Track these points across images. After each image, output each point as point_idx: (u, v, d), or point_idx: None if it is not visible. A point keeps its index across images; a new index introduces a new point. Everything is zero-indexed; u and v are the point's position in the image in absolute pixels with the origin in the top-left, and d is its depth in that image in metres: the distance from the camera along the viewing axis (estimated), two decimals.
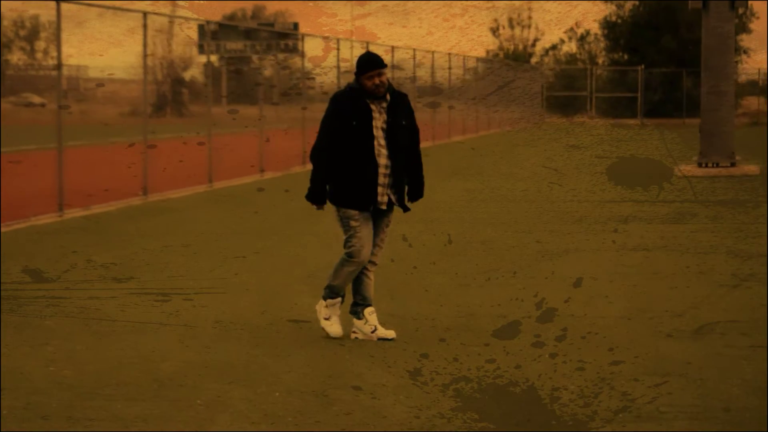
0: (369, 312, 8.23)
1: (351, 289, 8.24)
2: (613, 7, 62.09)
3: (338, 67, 29.89)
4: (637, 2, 60.87)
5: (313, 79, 30.51)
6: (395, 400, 6.66)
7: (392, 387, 6.92)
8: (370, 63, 8.15)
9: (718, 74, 24.56)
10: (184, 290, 9.96)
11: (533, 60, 68.49)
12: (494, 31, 71.62)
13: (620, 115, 56.43)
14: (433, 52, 40.12)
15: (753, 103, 59.21)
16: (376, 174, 8.08)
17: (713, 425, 6.21)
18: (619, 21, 62.20)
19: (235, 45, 42.46)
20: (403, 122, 8.19)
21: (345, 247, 8.21)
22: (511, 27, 71.49)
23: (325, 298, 8.26)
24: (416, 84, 37.53)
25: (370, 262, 8.23)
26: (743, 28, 60.19)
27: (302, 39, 29.51)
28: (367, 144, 8.07)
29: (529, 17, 72.12)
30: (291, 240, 13.06)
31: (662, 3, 58.30)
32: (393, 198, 8.16)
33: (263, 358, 7.62)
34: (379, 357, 7.62)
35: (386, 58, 37.91)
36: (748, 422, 6.28)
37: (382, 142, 8.12)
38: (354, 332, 8.22)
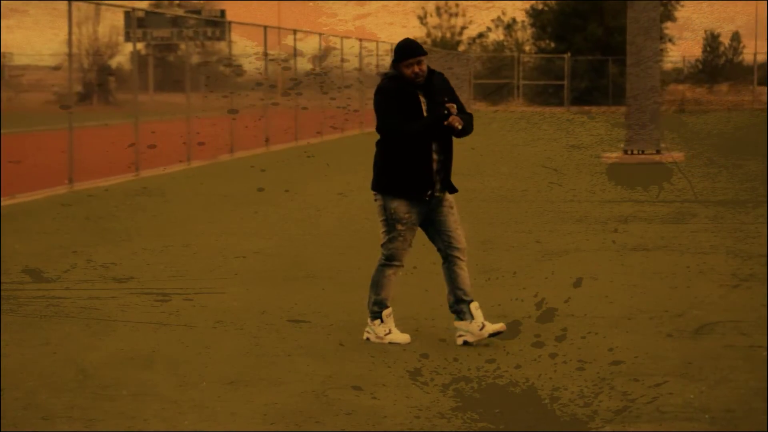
0: (475, 307, 7.89)
1: (446, 283, 7.97)
2: None
3: (265, 54, 29.95)
4: None
5: (240, 66, 30.55)
6: (395, 400, 6.66)
7: (392, 387, 6.93)
8: (409, 50, 7.74)
9: (644, 62, 24.86)
10: (184, 290, 9.96)
11: (460, 48, 68.51)
12: (421, 18, 71.58)
13: (547, 103, 57.09)
14: (360, 40, 39.95)
15: (678, 90, 59.73)
16: (430, 163, 7.72)
17: (713, 425, 6.22)
18: (546, 9, 62.81)
19: (161, 32, 41.92)
20: (445, 99, 7.76)
21: (385, 248, 7.89)
22: (439, 15, 71.46)
23: (376, 318, 7.92)
24: (342, 71, 37.66)
25: (457, 248, 7.88)
26: (668, 16, 61.41)
27: (229, 26, 29.51)
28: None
29: (457, 5, 72.23)
30: (291, 240, 13.05)
31: None
32: (439, 184, 7.80)
33: (263, 359, 7.61)
34: (379, 357, 7.62)
35: (311, 46, 37.24)
36: (748, 422, 6.28)
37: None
38: (461, 335, 7.86)
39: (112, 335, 8.29)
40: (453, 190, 7.96)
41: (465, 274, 7.93)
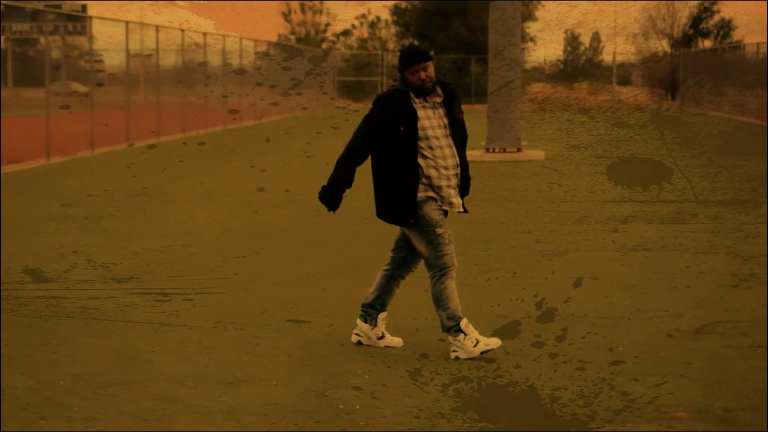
0: (382, 318, 7.86)
1: (376, 287, 7.88)
2: None
3: (127, 50, 29.95)
4: None
5: (102, 61, 30.47)
6: (395, 400, 6.66)
7: (392, 387, 6.92)
8: (413, 56, 7.44)
9: (505, 61, 25.08)
10: (184, 290, 9.96)
11: (324, 45, 68.67)
12: (286, 15, 71.58)
13: None
14: (224, 36, 39.94)
15: (539, 89, 60.26)
16: (444, 178, 7.45)
17: (713, 425, 6.22)
18: (409, 7, 63.17)
19: (21, 26, 41.60)
20: (460, 115, 7.59)
21: (434, 260, 7.48)
22: (303, 12, 71.46)
23: (454, 331, 7.52)
24: (207, 68, 37.67)
25: (411, 272, 7.82)
26: (529, 15, 61.97)
27: (89, 21, 29.45)
28: (411, 149, 7.38)
29: (321, 2, 72.41)
30: (292, 240, 13.05)
31: None
32: (455, 200, 7.54)
33: (263, 359, 7.61)
34: (379, 357, 7.62)
35: (174, 42, 37.51)
36: (748, 422, 6.28)
37: (443, 141, 7.48)
38: (357, 335, 7.93)
39: (112, 335, 8.29)
40: (464, 210, 7.70)
41: (397, 291, 7.86)
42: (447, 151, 7.49)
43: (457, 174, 7.55)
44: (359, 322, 7.93)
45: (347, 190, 7.72)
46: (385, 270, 7.89)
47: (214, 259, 11.65)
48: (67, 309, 9.17)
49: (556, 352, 7.67)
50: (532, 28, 64.09)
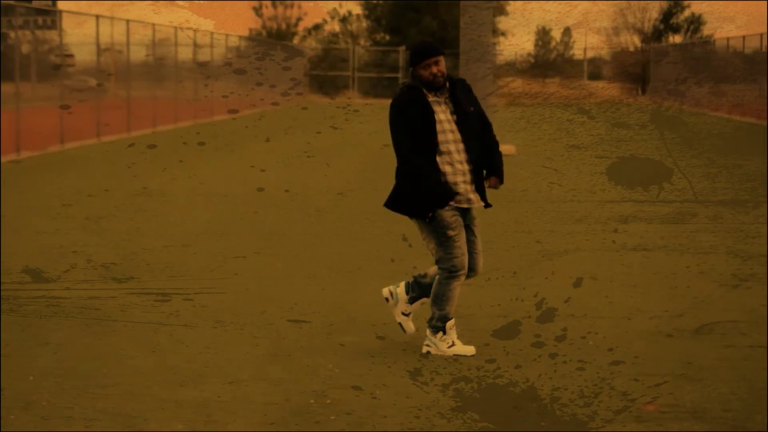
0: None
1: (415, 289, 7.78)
2: None
3: (98, 44, 29.90)
4: None
5: (72, 56, 30.41)
6: (395, 400, 6.66)
7: (392, 387, 6.92)
8: (425, 51, 7.38)
9: (477, 55, 25.17)
10: (184, 290, 9.96)
11: (296, 40, 68.72)
12: (257, 10, 71.53)
13: (382, 95, 57.89)
14: (195, 30, 39.84)
15: (510, 83, 60.60)
16: (461, 173, 7.41)
17: (713, 425, 6.21)
18: (381, 2, 63.32)
19: None
20: (471, 109, 7.49)
21: (444, 262, 7.45)
22: (274, 6, 71.40)
23: (437, 331, 7.56)
24: (177, 62, 37.68)
25: (473, 270, 7.60)
26: (501, 10, 62.31)
27: (60, 16, 29.39)
28: (432, 142, 7.34)
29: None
30: (292, 240, 13.05)
31: None
32: (473, 196, 7.50)
33: (263, 359, 7.61)
34: (379, 357, 7.62)
35: (146, 36, 37.60)
36: (748, 422, 6.28)
37: (456, 136, 7.42)
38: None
39: (112, 335, 8.29)
40: (487, 205, 7.68)
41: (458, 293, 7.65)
42: (460, 146, 7.45)
43: (471, 170, 7.50)
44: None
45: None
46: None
47: (214, 259, 11.65)
48: (67, 309, 9.18)
49: (556, 352, 7.67)
50: (503, 22, 64.49)
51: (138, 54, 34.56)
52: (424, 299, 7.85)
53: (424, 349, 7.66)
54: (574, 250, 12.17)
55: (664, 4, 67.73)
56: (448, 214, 7.44)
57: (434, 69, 7.38)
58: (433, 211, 7.42)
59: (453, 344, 7.60)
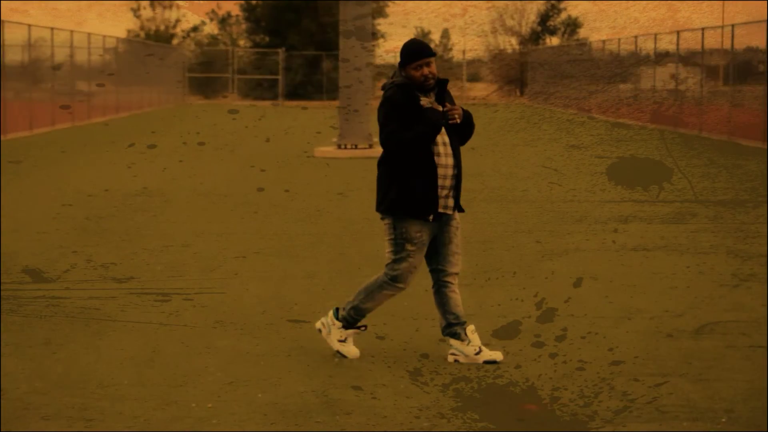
0: (471, 330, 7.43)
1: (437, 308, 7.56)
2: None
3: (2, 47, 29.91)
4: None
5: None
6: (395, 400, 6.66)
7: (392, 387, 6.92)
8: (418, 51, 7.23)
9: (355, 57, 25.39)
10: (184, 290, 9.96)
11: (174, 41, 68.67)
12: (135, 11, 71.30)
13: (261, 97, 58.22)
14: (72, 32, 39.34)
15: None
16: (435, 180, 7.23)
17: (713, 425, 6.22)
18: (260, 4, 63.45)
19: None
20: (447, 105, 7.32)
21: (390, 268, 7.34)
22: (152, 8, 71.20)
23: (344, 321, 7.52)
24: (53, 63, 37.53)
25: (452, 274, 7.41)
26: (380, 12, 62.65)
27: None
28: (428, 147, 7.20)
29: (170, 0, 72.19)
30: (292, 240, 13.05)
31: None
32: (451, 201, 7.32)
33: (263, 359, 7.61)
34: (379, 357, 7.62)
35: (21, 36, 37.68)
36: (748, 422, 6.29)
37: (444, 139, 7.28)
38: (453, 354, 7.44)
39: (112, 335, 8.29)
40: (461, 209, 7.48)
41: (457, 297, 7.47)
42: (448, 150, 7.32)
43: (454, 175, 7.35)
44: (451, 341, 7.50)
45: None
46: (433, 287, 7.63)
47: (214, 259, 11.65)
48: (67, 309, 9.18)
49: (556, 352, 7.67)
50: (382, 24, 64.71)
51: (14, 55, 34.33)
52: (469, 326, 7.52)
53: (317, 325, 7.67)
54: (574, 250, 12.17)
55: (542, 7, 68.69)
56: (415, 228, 7.28)
57: (425, 70, 7.26)
58: (434, 212, 7.29)
59: (345, 341, 7.56)
